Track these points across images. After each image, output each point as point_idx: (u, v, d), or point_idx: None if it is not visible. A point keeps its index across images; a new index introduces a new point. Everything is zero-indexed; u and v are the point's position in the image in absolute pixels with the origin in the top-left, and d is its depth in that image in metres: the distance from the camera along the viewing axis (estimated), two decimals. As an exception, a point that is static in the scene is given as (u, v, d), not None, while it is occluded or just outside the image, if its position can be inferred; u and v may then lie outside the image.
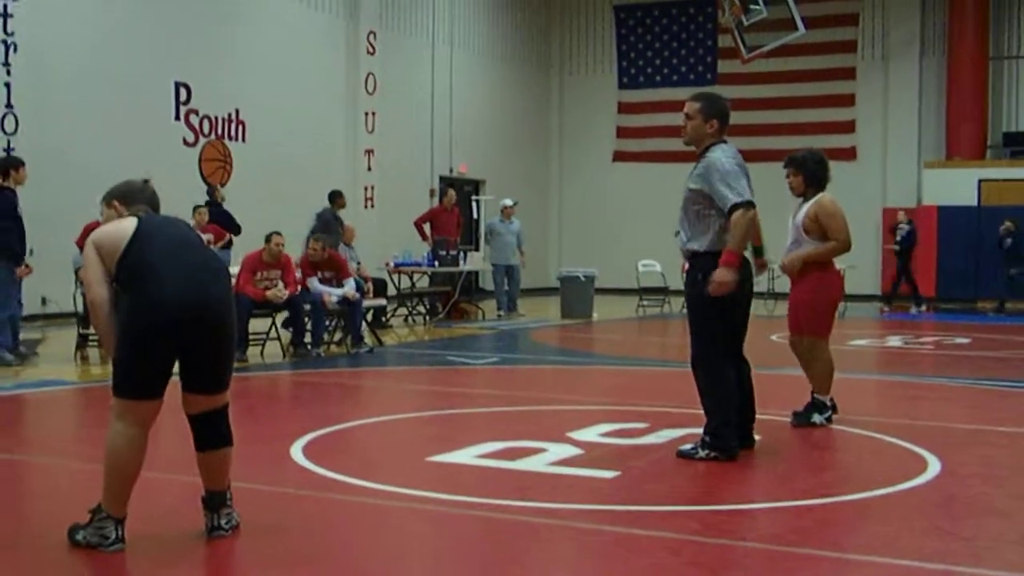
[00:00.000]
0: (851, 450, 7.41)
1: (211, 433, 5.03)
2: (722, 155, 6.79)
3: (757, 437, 7.20)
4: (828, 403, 8.13)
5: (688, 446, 6.90)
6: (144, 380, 4.81)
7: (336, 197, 17.45)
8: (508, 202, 20.20)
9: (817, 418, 8.07)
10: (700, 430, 7.70)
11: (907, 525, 5.43)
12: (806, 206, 8.13)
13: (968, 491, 6.14)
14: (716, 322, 6.80)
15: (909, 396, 10.39)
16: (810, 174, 8.18)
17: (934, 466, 6.69)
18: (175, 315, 4.74)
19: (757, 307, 22.28)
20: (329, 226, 16.45)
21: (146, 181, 5.42)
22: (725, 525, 5.38)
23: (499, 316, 19.18)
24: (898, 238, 22.68)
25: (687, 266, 7.40)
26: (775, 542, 5.07)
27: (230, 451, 5.09)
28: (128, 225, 4.96)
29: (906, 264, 22.64)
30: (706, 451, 6.76)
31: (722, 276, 6.64)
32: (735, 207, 6.61)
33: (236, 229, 17.07)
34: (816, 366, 8.14)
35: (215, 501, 5.04)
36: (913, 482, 6.31)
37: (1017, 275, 22.04)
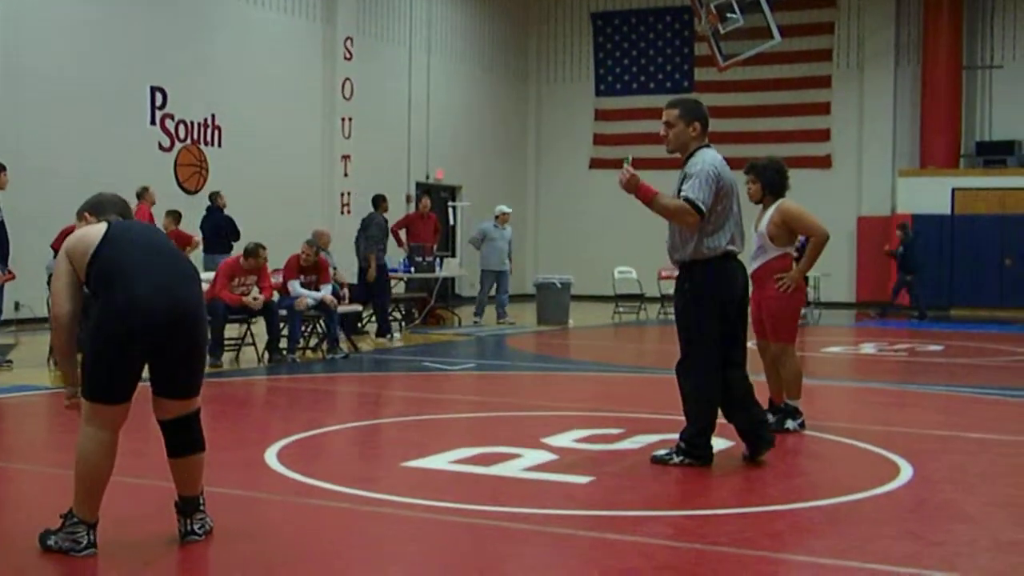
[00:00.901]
0: (824, 456, 7.44)
1: (183, 439, 5.02)
2: (702, 160, 6.76)
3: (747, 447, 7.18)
4: (799, 409, 8.17)
5: (663, 451, 6.91)
6: (114, 384, 4.81)
7: (381, 201, 17.58)
8: (505, 208, 20.10)
9: (791, 424, 8.11)
10: (675, 436, 7.74)
11: (879, 530, 5.46)
12: (769, 213, 8.19)
13: (940, 496, 6.18)
14: (704, 328, 6.76)
15: (882, 402, 10.44)
16: (769, 182, 8.24)
17: (906, 472, 6.73)
18: (145, 319, 4.74)
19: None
20: (384, 232, 16.90)
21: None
22: (698, 530, 5.39)
23: (475, 322, 19.16)
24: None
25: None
26: (748, 546, 5.09)
27: (202, 456, 5.08)
28: (97, 230, 4.97)
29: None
30: (680, 457, 6.78)
31: (632, 178, 6.89)
32: (689, 202, 6.63)
33: (236, 235, 17.08)
34: (785, 372, 8.18)
35: (188, 506, 5.02)
36: (885, 487, 6.34)
37: (913, 280, 22.16)
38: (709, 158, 6.77)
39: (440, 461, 6.89)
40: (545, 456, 7.06)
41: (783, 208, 8.14)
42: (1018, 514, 5.88)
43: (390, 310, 17.63)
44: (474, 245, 19.93)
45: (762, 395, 8.55)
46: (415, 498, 5.89)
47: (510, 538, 5.24)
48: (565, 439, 7.68)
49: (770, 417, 8.28)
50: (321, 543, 5.15)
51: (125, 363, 4.79)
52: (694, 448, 6.77)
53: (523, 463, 6.83)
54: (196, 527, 5.01)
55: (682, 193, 6.70)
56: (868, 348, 15.90)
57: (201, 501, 5.07)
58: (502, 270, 19.67)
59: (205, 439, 5.10)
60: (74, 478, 4.83)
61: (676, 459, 6.77)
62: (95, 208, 5.28)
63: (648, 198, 6.83)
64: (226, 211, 17.90)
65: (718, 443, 7.60)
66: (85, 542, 4.76)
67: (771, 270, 8.16)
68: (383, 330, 16.37)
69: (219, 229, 17.41)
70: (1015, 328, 20.05)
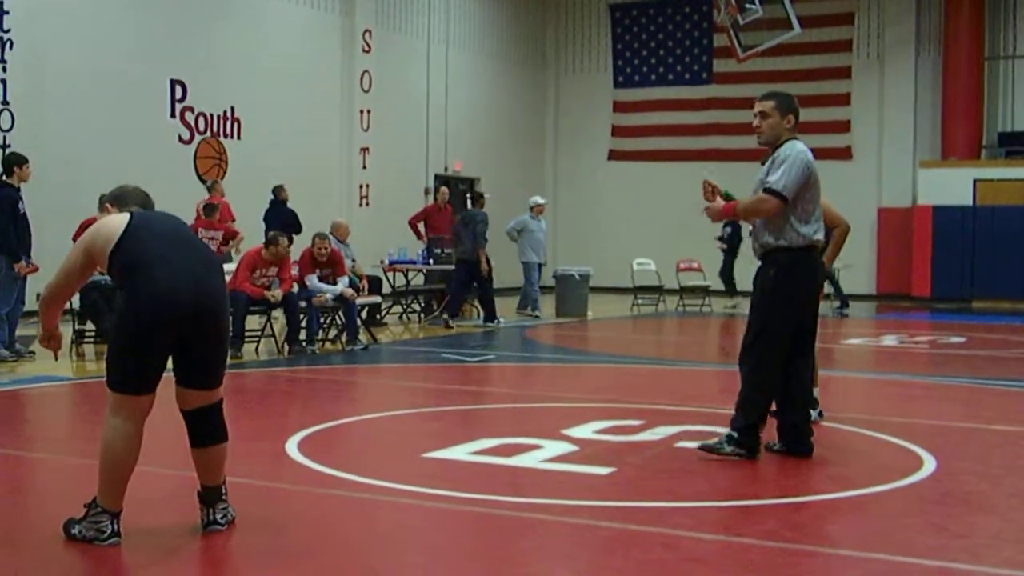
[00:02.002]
0: (846, 448, 7.40)
1: (206, 429, 5.04)
2: (792, 148, 6.70)
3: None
4: (816, 399, 8.14)
5: (713, 441, 6.81)
6: (139, 375, 4.84)
7: (479, 197, 18.50)
8: (540, 200, 19.83)
9: (812, 414, 8.08)
10: (695, 427, 7.74)
11: (903, 522, 5.44)
12: None
13: (964, 489, 6.14)
14: (780, 319, 6.70)
15: (904, 395, 10.40)
16: None
17: (929, 464, 6.70)
18: (170, 311, 4.76)
19: (742, 305, 22.21)
20: (487, 226, 17.51)
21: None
22: (721, 521, 5.39)
23: (535, 315, 18.91)
24: (723, 235, 22.53)
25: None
26: (771, 538, 5.08)
27: (225, 447, 5.10)
28: (119, 221, 4.99)
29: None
30: (731, 447, 6.68)
31: (712, 209, 6.86)
32: (768, 190, 6.61)
33: (299, 228, 17.15)
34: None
35: (211, 496, 5.05)
36: (909, 479, 6.31)
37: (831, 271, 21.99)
38: (800, 147, 6.72)
39: (461, 452, 6.88)
40: (566, 447, 7.05)
41: None
42: (1043, 506, 5.84)
43: (409, 301, 17.73)
44: (511, 237, 19.63)
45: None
46: (436, 488, 5.90)
47: (531, 529, 5.23)
48: (585, 430, 7.67)
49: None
50: (342, 533, 5.15)
51: (150, 354, 4.82)
52: (747, 438, 6.68)
53: (544, 454, 6.83)
54: (219, 516, 5.03)
55: (766, 181, 6.66)
56: (889, 340, 15.83)
57: (224, 491, 5.09)
58: (542, 262, 19.57)
59: (227, 429, 5.12)
60: (99, 468, 4.84)
61: (727, 449, 6.68)
62: (117, 199, 5.31)
63: (733, 213, 6.88)
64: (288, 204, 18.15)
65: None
66: (109, 531, 4.78)
67: None
68: (490, 317, 17.26)
69: (284, 222, 17.34)
70: (1037, 320, 19.94)
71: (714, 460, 6.73)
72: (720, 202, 6.94)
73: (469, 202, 18.04)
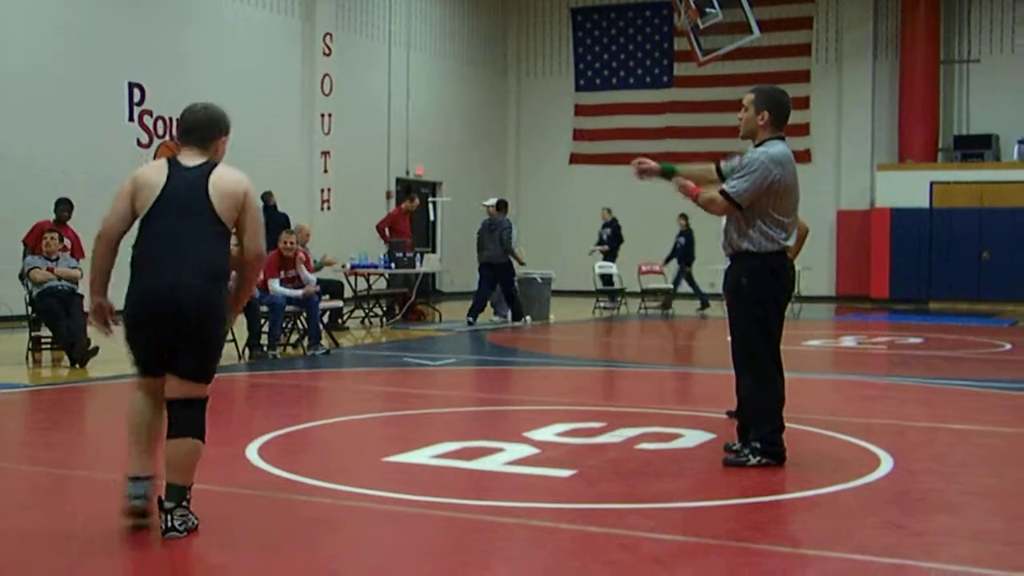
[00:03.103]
0: (805, 448, 7.45)
1: (175, 420, 5.08)
2: (762, 151, 6.61)
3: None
4: None
5: (734, 456, 6.71)
6: (137, 359, 5.20)
7: (505, 205, 19.31)
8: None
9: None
10: (656, 429, 7.76)
11: (860, 521, 5.48)
12: None
13: (920, 487, 6.20)
14: (765, 323, 6.66)
15: (862, 395, 10.48)
16: None
17: (887, 463, 6.76)
18: (147, 307, 5.02)
19: (714, 308, 22.31)
20: (511, 230, 18.57)
21: None
22: (680, 522, 5.41)
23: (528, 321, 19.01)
24: (604, 238, 22.70)
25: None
26: (730, 538, 5.11)
27: (191, 444, 5.07)
28: (159, 182, 5.19)
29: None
30: (758, 458, 6.59)
31: (684, 186, 6.83)
32: (723, 192, 6.57)
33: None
34: None
35: (171, 495, 4.98)
36: (867, 479, 6.36)
37: (690, 271, 22.15)
38: (772, 152, 6.59)
39: (422, 456, 6.88)
40: (527, 450, 7.06)
41: None
42: (998, 503, 5.91)
43: (371, 305, 17.75)
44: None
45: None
46: (397, 492, 5.89)
47: (492, 532, 5.24)
48: (547, 433, 7.68)
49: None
50: (302, 538, 5.14)
51: (140, 343, 5.18)
52: (771, 446, 6.60)
53: (505, 457, 6.83)
54: (177, 523, 4.96)
55: (727, 181, 6.64)
56: (848, 341, 15.94)
57: (187, 495, 5.04)
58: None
59: (199, 432, 5.14)
60: None
61: (753, 460, 6.59)
62: (184, 135, 5.43)
63: (694, 198, 6.82)
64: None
65: (699, 435, 7.64)
66: (132, 494, 5.02)
67: None
68: (517, 315, 18.47)
69: (274, 226, 17.31)
70: (993, 321, 20.14)
71: (675, 461, 6.76)
72: (690, 186, 6.87)
73: (493, 208, 18.86)
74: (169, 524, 4.96)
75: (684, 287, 22.47)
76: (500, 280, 18.48)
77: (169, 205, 5.09)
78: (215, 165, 5.25)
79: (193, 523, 5.05)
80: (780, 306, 6.78)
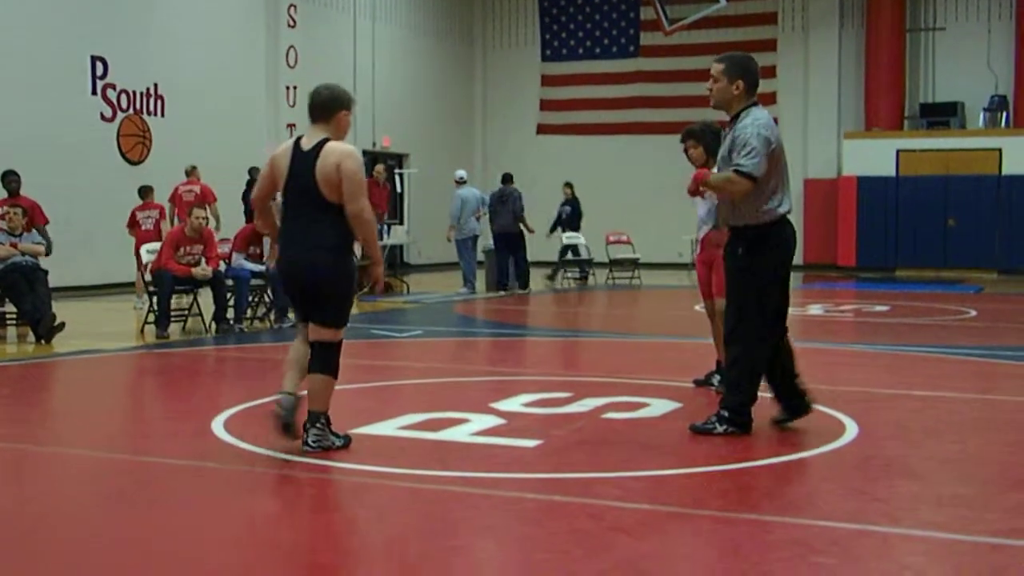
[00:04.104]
0: (769, 416, 7.48)
1: (314, 359, 6.15)
2: (750, 121, 6.59)
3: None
4: None
5: (702, 422, 6.72)
6: (294, 309, 6.63)
7: (510, 177, 20.14)
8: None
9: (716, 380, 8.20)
10: (623, 398, 7.78)
11: (825, 487, 5.52)
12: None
13: (884, 454, 6.24)
14: (760, 297, 6.64)
15: (828, 362, 10.52)
16: (709, 145, 8.24)
17: (852, 430, 6.80)
18: (284, 273, 6.34)
19: (681, 278, 22.40)
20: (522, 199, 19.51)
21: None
22: (646, 491, 5.42)
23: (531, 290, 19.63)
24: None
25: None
26: (695, 506, 5.13)
27: (322, 379, 6.12)
28: (282, 184, 6.33)
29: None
30: (724, 426, 6.60)
31: (713, 177, 6.75)
32: (739, 172, 6.49)
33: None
34: None
35: (309, 418, 6.11)
36: (831, 445, 6.40)
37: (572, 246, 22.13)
38: (759, 120, 6.58)
39: (388, 427, 6.88)
40: (493, 421, 7.07)
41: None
42: (961, 469, 5.95)
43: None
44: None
45: (710, 357, 8.63)
46: (363, 464, 5.88)
47: (459, 502, 5.24)
48: (513, 403, 7.69)
49: (717, 379, 8.35)
50: (267, 510, 5.13)
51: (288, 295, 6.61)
52: (739, 416, 6.63)
53: (471, 428, 6.84)
54: (311, 440, 6.08)
55: (734, 162, 6.53)
56: (815, 309, 16.01)
57: (320, 419, 6.11)
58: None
59: (332, 370, 6.15)
60: None
61: (720, 428, 6.60)
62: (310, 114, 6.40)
63: (702, 179, 6.82)
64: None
65: (666, 404, 7.67)
66: (279, 403, 6.09)
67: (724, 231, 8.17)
68: (525, 283, 19.38)
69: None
70: (959, 288, 20.27)
71: (640, 430, 6.78)
72: (700, 175, 6.89)
73: (501, 181, 19.82)
74: (305, 440, 6.08)
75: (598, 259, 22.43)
76: (511, 249, 19.22)
77: (292, 189, 6.22)
78: (325, 144, 6.13)
79: (331, 443, 6.12)
80: (780, 277, 6.76)
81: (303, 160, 6.13)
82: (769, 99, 26.80)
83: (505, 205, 19.26)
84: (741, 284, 6.71)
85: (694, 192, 7.17)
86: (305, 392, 6.12)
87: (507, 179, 19.96)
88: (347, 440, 6.26)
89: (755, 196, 6.58)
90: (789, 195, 6.77)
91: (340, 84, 6.45)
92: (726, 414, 6.64)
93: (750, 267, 6.66)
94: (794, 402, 6.89)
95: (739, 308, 6.70)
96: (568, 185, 22.84)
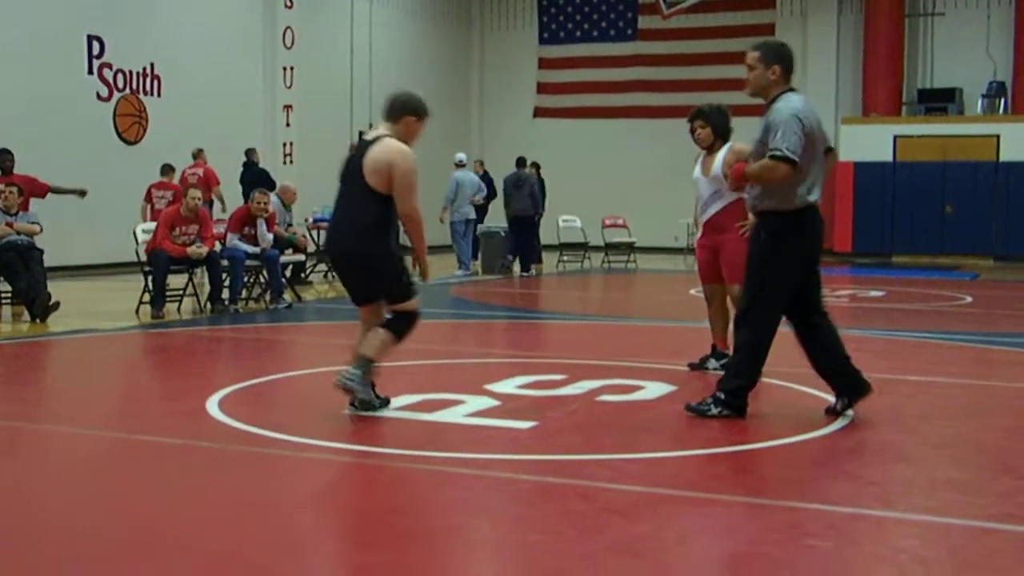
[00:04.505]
0: (766, 399, 7.48)
1: (387, 320, 6.68)
2: (784, 105, 6.46)
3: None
4: None
5: (698, 402, 6.70)
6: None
7: (525, 161, 20.41)
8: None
9: (713, 363, 8.18)
10: (617, 381, 7.79)
11: (819, 471, 5.53)
12: (721, 155, 8.15)
13: (879, 438, 6.24)
14: (779, 281, 6.55)
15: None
16: (718, 126, 8.22)
17: (846, 414, 6.79)
18: (329, 256, 7.21)
19: (677, 262, 22.42)
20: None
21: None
22: (640, 473, 5.42)
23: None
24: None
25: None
26: (690, 488, 5.13)
27: (384, 334, 6.60)
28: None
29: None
30: (719, 408, 6.56)
31: (749, 169, 6.56)
32: (775, 156, 6.36)
33: (273, 187, 17.29)
34: None
35: (354, 360, 6.54)
36: (825, 430, 6.40)
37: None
38: (792, 104, 6.46)
39: (383, 409, 6.86)
40: (488, 402, 7.07)
41: (737, 149, 8.03)
42: (954, 454, 5.96)
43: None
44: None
45: (705, 341, 8.63)
46: (358, 444, 5.89)
47: (452, 483, 5.24)
48: (508, 385, 7.69)
49: (712, 362, 8.36)
50: (262, 491, 5.13)
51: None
52: (735, 399, 6.58)
53: (466, 409, 6.83)
54: (342, 375, 6.47)
55: (770, 147, 6.40)
56: (810, 294, 15.99)
57: (363, 365, 6.49)
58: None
59: (395, 330, 6.62)
60: None
61: (715, 410, 6.55)
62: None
63: (743, 177, 6.64)
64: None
65: (660, 387, 7.67)
66: (340, 372, 6.55)
67: (731, 214, 8.15)
68: (527, 267, 19.62)
69: (257, 182, 17.28)
70: (955, 274, 20.28)
71: (635, 412, 6.79)
72: (739, 169, 6.72)
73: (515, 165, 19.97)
74: (343, 372, 6.48)
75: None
76: (524, 231, 19.51)
77: (342, 173, 6.67)
78: (384, 138, 6.55)
79: (358, 389, 6.46)
80: (803, 266, 6.64)
81: (360, 147, 6.64)
82: (767, 84, 26.77)
83: (521, 189, 19.43)
84: (760, 270, 6.61)
85: (737, 188, 7.04)
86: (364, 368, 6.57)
87: (521, 163, 20.15)
88: (381, 400, 6.71)
89: (780, 187, 6.45)
90: (820, 184, 6.61)
91: (406, 94, 6.88)
92: (723, 396, 6.61)
93: (772, 254, 6.55)
94: (849, 381, 6.73)
95: (755, 293, 6.62)
96: (479, 162, 22.51)
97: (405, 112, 6.69)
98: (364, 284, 6.67)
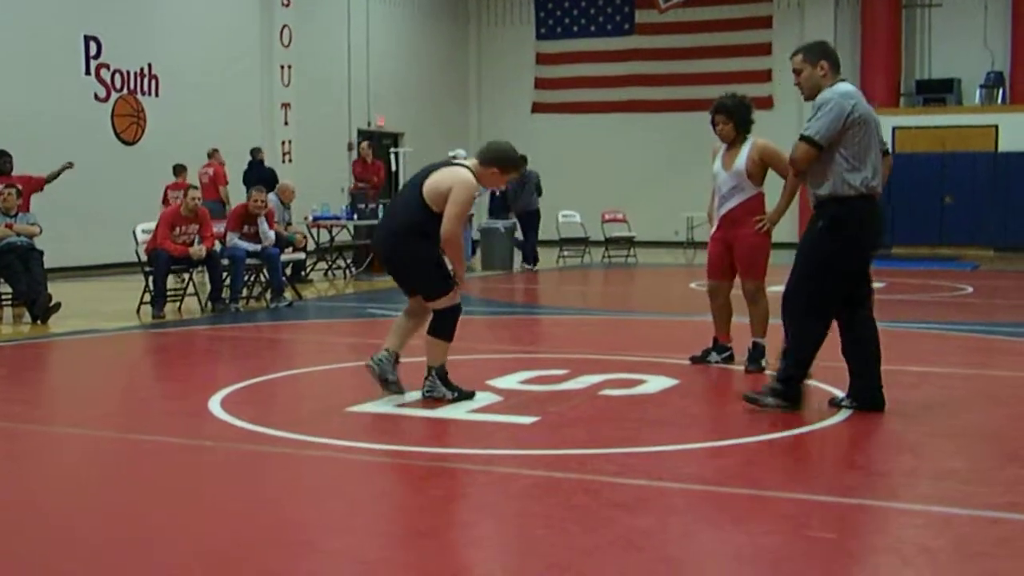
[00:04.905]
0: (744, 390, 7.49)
1: (429, 323, 7.07)
2: (830, 91, 6.40)
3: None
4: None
5: (755, 393, 6.64)
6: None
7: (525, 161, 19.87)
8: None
9: (766, 363, 8.12)
10: (619, 375, 7.78)
11: (824, 462, 5.53)
12: (745, 150, 8.07)
13: (882, 429, 6.24)
14: (831, 269, 6.42)
15: (826, 340, 10.51)
16: (741, 120, 8.16)
17: (848, 406, 6.77)
18: (374, 251, 7.66)
19: (677, 256, 22.36)
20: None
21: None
22: (643, 467, 5.41)
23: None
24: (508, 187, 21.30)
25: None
26: (693, 481, 5.12)
27: (429, 339, 7.00)
28: None
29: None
30: (774, 399, 6.47)
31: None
32: (801, 136, 6.38)
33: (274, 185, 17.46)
34: (759, 309, 8.19)
35: (427, 372, 7.03)
36: (830, 421, 6.39)
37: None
38: (840, 90, 6.39)
39: (386, 405, 6.87)
40: (490, 398, 7.06)
41: (760, 145, 8.05)
42: (958, 444, 5.95)
43: (332, 258, 17.78)
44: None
45: (707, 334, 8.62)
46: (360, 441, 5.88)
47: (455, 478, 5.24)
48: (510, 381, 7.68)
49: (715, 356, 8.35)
50: (264, 488, 5.12)
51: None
52: (788, 387, 6.48)
53: (469, 405, 6.83)
54: (425, 388, 6.98)
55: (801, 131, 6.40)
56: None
57: (431, 372, 7.01)
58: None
59: (436, 331, 6.98)
60: None
61: (770, 401, 6.48)
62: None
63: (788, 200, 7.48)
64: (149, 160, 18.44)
65: (662, 381, 7.66)
66: (374, 356, 7.10)
67: (749, 209, 8.14)
68: (531, 259, 19.67)
69: (263, 181, 17.31)
70: (955, 265, 20.27)
71: (637, 406, 6.78)
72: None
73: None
74: (423, 388, 7.03)
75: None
76: (527, 225, 19.74)
77: (410, 179, 7.11)
78: (455, 165, 7.02)
79: (442, 394, 6.91)
80: (860, 256, 6.55)
81: (438, 163, 7.10)
82: (764, 76, 26.80)
83: (526, 187, 19.55)
84: (814, 258, 6.50)
85: (797, 175, 6.98)
86: (397, 351, 7.13)
87: (523, 161, 19.88)
88: (463, 394, 6.96)
89: (833, 164, 6.35)
90: (879, 175, 6.48)
91: (503, 146, 7.06)
92: (777, 387, 6.52)
93: (827, 243, 6.44)
94: (865, 387, 6.60)
95: (805, 279, 6.51)
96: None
97: (492, 162, 6.98)
98: (400, 280, 7.14)
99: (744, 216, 8.15)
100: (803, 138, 6.37)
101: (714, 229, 8.38)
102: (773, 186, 8.17)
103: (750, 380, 7.80)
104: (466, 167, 6.94)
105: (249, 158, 19.31)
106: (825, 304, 6.51)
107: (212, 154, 18.61)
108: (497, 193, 19.58)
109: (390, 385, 7.04)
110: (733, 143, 8.19)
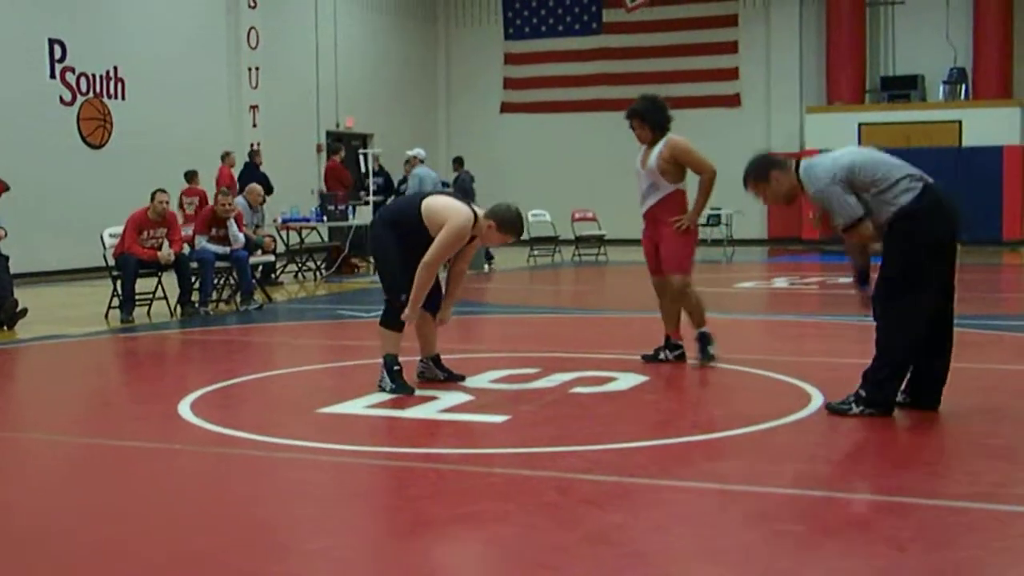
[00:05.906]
0: (737, 387, 7.54)
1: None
2: (810, 182, 6.42)
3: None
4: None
5: (840, 401, 6.47)
6: None
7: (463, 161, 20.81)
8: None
9: (713, 349, 8.18)
10: (590, 373, 7.80)
11: (791, 456, 5.56)
12: (657, 149, 8.20)
13: (850, 423, 6.27)
14: (912, 273, 6.34)
15: (795, 334, 10.60)
16: (654, 121, 8.26)
17: (817, 400, 6.83)
18: None
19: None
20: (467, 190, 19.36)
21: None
22: (614, 463, 5.44)
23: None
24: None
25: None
26: (663, 476, 5.16)
27: (381, 330, 7.44)
28: None
29: None
30: (861, 407, 6.30)
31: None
32: (844, 229, 6.47)
33: (271, 190, 17.45)
34: (690, 302, 8.25)
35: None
36: (797, 415, 6.44)
37: None
38: (814, 173, 6.38)
39: (356, 406, 6.87)
40: (461, 397, 7.08)
41: (672, 143, 8.17)
42: (923, 435, 6.02)
43: (302, 260, 17.74)
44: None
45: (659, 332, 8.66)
46: (330, 443, 5.88)
47: (425, 478, 5.24)
48: (481, 380, 7.70)
49: (666, 353, 8.36)
50: (234, 491, 5.13)
51: None
52: (880, 392, 6.30)
53: (439, 405, 6.85)
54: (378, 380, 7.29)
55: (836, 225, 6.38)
56: (780, 282, 16.10)
57: (383, 361, 7.33)
58: None
59: (382, 321, 7.42)
60: None
61: (856, 409, 6.31)
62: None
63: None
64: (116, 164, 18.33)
65: (633, 378, 7.70)
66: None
67: (668, 207, 8.22)
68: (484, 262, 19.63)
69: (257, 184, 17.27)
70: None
71: (608, 404, 6.82)
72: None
73: (418, 160, 19.23)
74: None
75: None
76: None
77: (417, 191, 7.68)
78: (467, 209, 7.15)
79: (385, 385, 7.23)
80: (937, 248, 6.52)
81: (445, 192, 7.92)
82: (731, 74, 26.92)
83: (459, 188, 19.40)
84: (895, 262, 6.44)
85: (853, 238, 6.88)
86: (431, 354, 7.76)
87: (462, 162, 20.87)
88: (402, 387, 7.20)
89: (877, 199, 6.36)
90: (904, 166, 6.54)
91: (511, 210, 7.18)
92: (865, 393, 6.35)
93: (902, 244, 6.40)
94: (918, 382, 6.48)
95: (893, 287, 6.41)
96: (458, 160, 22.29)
97: (492, 217, 7.14)
98: (381, 271, 7.62)
99: (663, 214, 8.27)
100: (848, 228, 6.36)
101: (643, 227, 8.48)
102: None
103: (716, 373, 7.86)
104: (475, 212, 7.18)
105: (246, 160, 19.42)
106: (921, 305, 6.38)
107: (226, 156, 18.84)
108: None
109: (452, 378, 7.65)
110: (652, 143, 8.29)
